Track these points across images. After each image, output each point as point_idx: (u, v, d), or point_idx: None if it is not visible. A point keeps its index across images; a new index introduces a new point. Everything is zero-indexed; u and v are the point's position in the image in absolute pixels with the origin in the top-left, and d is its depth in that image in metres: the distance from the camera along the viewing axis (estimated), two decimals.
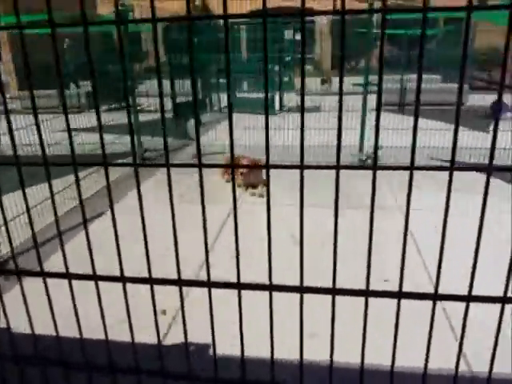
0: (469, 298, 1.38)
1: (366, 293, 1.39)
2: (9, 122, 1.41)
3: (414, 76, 11.94)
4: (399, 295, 1.37)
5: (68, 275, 1.53)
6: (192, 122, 9.73)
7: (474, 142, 7.32)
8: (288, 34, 13.18)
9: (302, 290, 1.41)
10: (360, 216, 4.58)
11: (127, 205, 5.22)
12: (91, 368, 1.74)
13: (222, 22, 11.99)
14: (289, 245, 3.63)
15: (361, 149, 7.02)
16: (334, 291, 1.39)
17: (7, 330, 1.67)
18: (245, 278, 1.44)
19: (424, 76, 11.56)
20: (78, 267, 1.57)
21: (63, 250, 1.51)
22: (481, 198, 1.20)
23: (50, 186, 1.44)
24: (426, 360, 1.48)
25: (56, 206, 1.50)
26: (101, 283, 1.53)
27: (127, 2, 7.86)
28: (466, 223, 3.19)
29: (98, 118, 1.34)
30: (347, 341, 1.95)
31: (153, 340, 1.62)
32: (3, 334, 1.75)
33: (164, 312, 3.13)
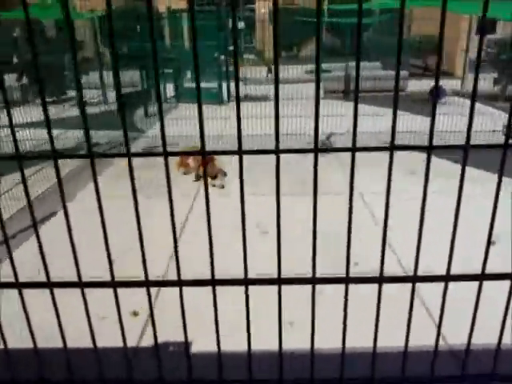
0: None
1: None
2: None
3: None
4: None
5: (17, 284, 1.36)
6: (138, 113, 9.34)
7: (415, 126, 7.64)
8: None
9: (247, 282, 1.34)
10: (326, 202, 4.57)
11: (81, 201, 4.94)
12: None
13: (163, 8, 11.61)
14: (255, 235, 3.57)
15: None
16: (278, 281, 1.34)
17: None
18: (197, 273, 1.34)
19: (365, 63, 11.79)
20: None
21: (11, 258, 1.33)
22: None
23: None
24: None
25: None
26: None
27: None
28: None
29: (44, 109, 1.18)
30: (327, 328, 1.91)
31: (130, 343, 1.48)
32: None
33: (135, 313, 2.92)
